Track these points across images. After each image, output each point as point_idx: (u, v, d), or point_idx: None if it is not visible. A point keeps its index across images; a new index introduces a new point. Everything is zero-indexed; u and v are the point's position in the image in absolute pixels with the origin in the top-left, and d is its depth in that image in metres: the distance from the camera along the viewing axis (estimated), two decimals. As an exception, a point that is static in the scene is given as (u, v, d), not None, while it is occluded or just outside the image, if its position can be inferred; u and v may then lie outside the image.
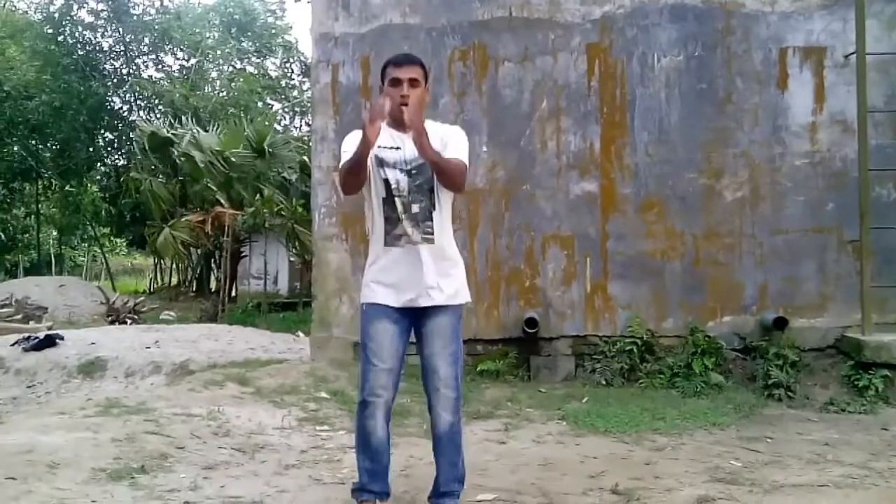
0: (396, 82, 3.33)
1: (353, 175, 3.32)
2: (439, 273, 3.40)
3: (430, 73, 3.53)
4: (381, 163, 3.38)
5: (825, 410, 6.20)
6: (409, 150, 3.34)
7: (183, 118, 22.21)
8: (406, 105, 3.27)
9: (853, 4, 6.83)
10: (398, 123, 3.33)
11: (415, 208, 3.37)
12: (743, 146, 7.28)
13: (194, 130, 20.02)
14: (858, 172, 6.76)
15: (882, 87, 7.09)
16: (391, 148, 3.39)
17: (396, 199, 3.37)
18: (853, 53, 6.88)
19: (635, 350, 7.05)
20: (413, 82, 3.33)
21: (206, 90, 28.28)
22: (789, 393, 6.52)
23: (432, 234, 3.39)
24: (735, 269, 7.26)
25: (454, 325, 3.45)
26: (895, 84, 7.17)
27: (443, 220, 3.43)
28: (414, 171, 3.37)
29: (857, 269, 6.90)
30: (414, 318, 3.45)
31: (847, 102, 7.07)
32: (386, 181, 3.38)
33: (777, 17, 7.27)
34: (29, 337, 9.95)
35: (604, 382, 6.99)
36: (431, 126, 3.38)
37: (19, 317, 15.03)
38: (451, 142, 3.39)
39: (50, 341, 9.59)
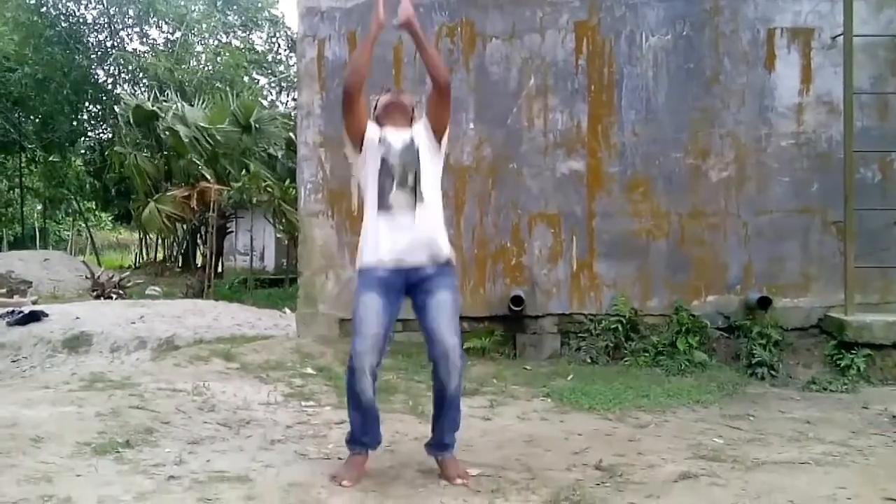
0: None
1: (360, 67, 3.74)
2: (431, 231, 3.73)
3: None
4: (381, 140, 3.74)
5: (807, 389, 6.26)
6: (401, 140, 3.75)
7: (168, 92, 22.00)
8: None
9: (842, -15, 6.84)
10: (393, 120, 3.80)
11: (409, 179, 3.70)
12: (729, 126, 7.29)
13: (179, 104, 19.84)
14: (843, 154, 6.80)
15: (868, 69, 7.11)
16: (386, 138, 3.76)
17: (391, 170, 3.70)
18: (840, 35, 6.89)
19: (620, 328, 7.10)
20: None
21: (192, 64, 27.99)
22: (772, 372, 6.59)
23: (424, 198, 3.70)
24: (720, 249, 7.30)
25: (454, 299, 3.73)
26: (882, 66, 7.19)
27: (432, 188, 3.76)
28: (407, 152, 3.73)
29: (840, 250, 6.95)
30: (409, 287, 3.72)
31: (833, 84, 7.09)
32: (382, 158, 3.71)
33: (765, -4, 7.27)
34: (13, 311, 9.92)
35: (589, 360, 7.04)
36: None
37: (3, 291, 14.95)
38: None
39: (34, 316, 9.56)
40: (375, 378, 3.64)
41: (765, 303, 6.96)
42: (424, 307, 3.69)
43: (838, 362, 6.53)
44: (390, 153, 3.71)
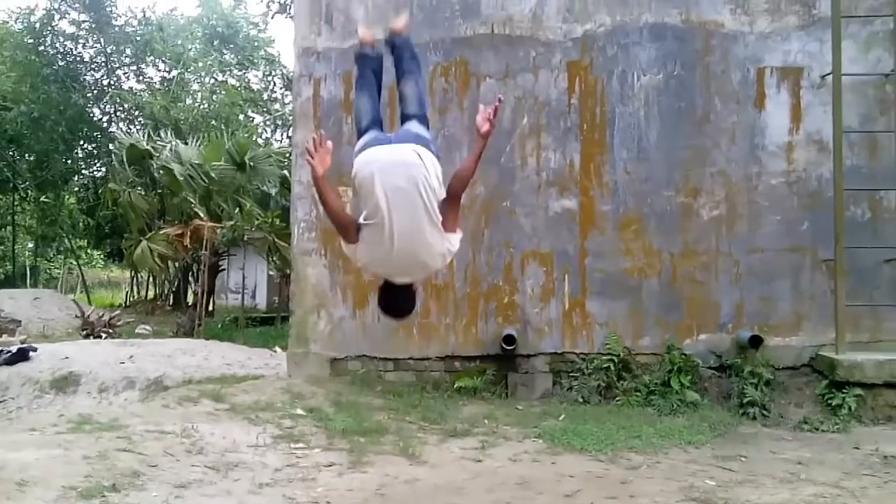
0: None
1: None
2: None
3: None
4: None
5: (799, 429, 6.23)
6: None
7: (163, 131, 22.06)
8: None
9: (830, 25, 6.92)
10: None
11: None
12: (720, 165, 7.34)
13: (174, 143, 19.88)
14: (834, 192, 6.83)
15: (857, 108, 7.18)
16: None
17: None
18: (829, 74, 6.97)
19: (612, 367, 7.07)
20: None
21: (188, 102, 28.09)
22: (764, 411, 6.56)
23: None
24: (711, 288, 7.30)
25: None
26: (870, 105, 7.26)
27: None
28: None
29: (831, 288, 6.95)
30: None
31: (823, 122, 7.15)
32: None
33: (755, 37, 7.35)
34: (1, 351, 9.81)
35: (581, 400, 7.00)
36: None
37: (-7, 330, 14.84)
38: None
39: (23, 355, 9.46)
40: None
41: (756, 342, 6.95)
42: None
43: (830, 402, 6.51)
44: None
